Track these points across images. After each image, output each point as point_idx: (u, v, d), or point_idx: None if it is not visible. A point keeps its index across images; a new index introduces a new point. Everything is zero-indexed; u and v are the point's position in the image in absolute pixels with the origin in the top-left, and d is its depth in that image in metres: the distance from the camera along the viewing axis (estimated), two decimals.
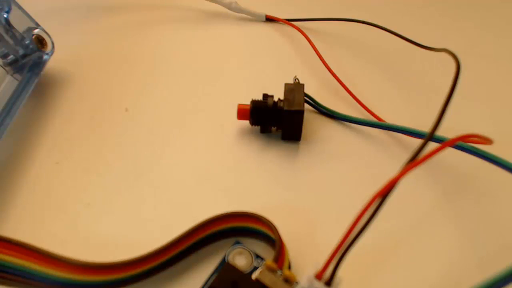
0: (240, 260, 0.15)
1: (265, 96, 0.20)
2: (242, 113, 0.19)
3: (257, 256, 0.15)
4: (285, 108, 0.19)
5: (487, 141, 0.15)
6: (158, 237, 0.15)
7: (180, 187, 0.18)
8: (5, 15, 0.20)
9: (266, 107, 0.19)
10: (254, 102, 0.19)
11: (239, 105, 0.20)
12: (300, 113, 0.19)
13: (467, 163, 0.19)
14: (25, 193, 0.18)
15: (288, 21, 0.27)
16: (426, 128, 0.16)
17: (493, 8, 0.28)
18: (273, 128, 0.20)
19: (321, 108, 0.21)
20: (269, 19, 0.27)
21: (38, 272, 0.13)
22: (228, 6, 0.27)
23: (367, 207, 0.12)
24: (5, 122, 0.19)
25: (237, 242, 0.16)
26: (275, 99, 0.20)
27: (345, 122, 0.21)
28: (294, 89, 0.19)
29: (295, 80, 0.20)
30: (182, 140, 0.20)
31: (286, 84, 0.19)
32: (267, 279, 0.13)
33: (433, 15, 0.28)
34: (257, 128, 0.20)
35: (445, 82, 0.16)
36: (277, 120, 0.19)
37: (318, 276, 0.13)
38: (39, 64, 0.21)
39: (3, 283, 0.13)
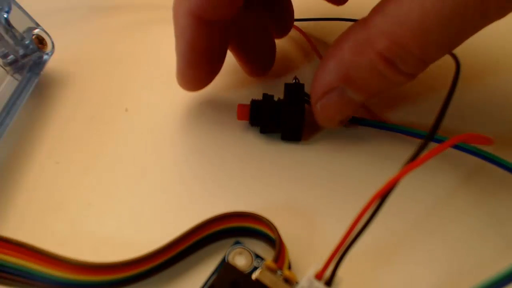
0: (240, 260, 0.15)
1: (265, 96, 0.20)
2: (242, 113, 0.19)
3: (257, 256, 0.15)
4: (285, 108, 0.19)
5: (488, 141, 0.15)
6: (158, 237, 0.15)
7: (180, 187, 0.18)
8: (5, 15, 0.20)
9: (265, 107, 0.19)
10: (253, 102, 0.19)
11: (239, 105, 0.20)
12: (301, 113, 0.19)
13: (468, 164, 0.19)
14: (25, 193, 0.18)
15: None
16: (426, 128, 0.16)
17: None
18: (273, 128, 0.20)
19: None
20: None
21: (38, 272, 0.13)
22: None
23: (367, 208, 0.12)
24: (5, 122, 0.19)
25: (237, 242, 0.16)
26: (275, 99, 0.20)
27: (349, 123, 0.21)
28: (294, 89, 0.19)
29: (295, 80, 0.20)
30: (182, 140, 0.20)
31: (286, 84, 0.19)
32: (267, 279, 0.13)
33: None
34: (257, 128, 0.20)
35: (446, 82, 0.16)
36: (277, 120, 0.19)
37: (318, 276, 0.13)
38: (39, 64, 0.21)
39: (3, 283, 0.13)
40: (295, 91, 0.19)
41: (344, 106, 0.17)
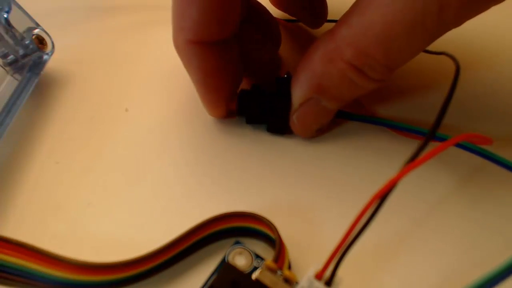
0: (240, 260, 0.15)
1: (254, 86, 0.20)
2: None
3: (257, 256, 0.15)
4: (273, 100, 0.19)
5: (487, 141, 0.15)
6: (158, 237, 0.15)
7: (180, 187, 0.18)
8: (5, 15, 0.20)
9: (253, 97, 0.19)
10: (242, 92, 0.19)
11: None
12: (288, 106, 0.19)
13: (468, 162, 0.19)
14: (25, 193, 0.18)
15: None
16: (425, 125, 0.16)
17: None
18: (260, 119, 0.20)
19: None
20: None
21: (38, 272, 0.13)
22: None
23: (366, 208, 0.12)
24: (5, 122, 0.19)
25: (237, 242, 0.16)
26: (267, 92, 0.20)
27: (346, 120, 0.21)
28: (285, 83, 0.19)
29: (287, 75, 0.20)
30: (182, 139, 0.20)
31: (277, 78, 0.19)
32: (267, 279, 0.13)
33: None
34: (244, 118, 0.20)
35: (445, 79, 0.16)
36: (264, 111, 0.19)
37: (318, 276, 0.13)
38: (39, 64, 0.21)
39: (3, 283, 0.13)
40: (285, 85, 0.19)
41: (320, 115, 0.18)
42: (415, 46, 0.15)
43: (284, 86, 0.19)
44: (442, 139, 0.17)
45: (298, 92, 0.18)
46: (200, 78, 0.18)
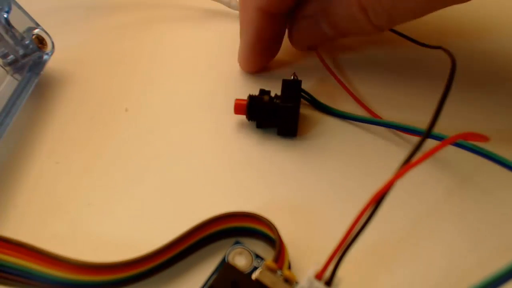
0: (240, 260, 0.15)
1: (262, 91, 0.20)
2: (238, 108, 0.20)
3: (257, 256, 0.15)
4: (281, 103, 0.19)
5: (483, 138, 0.15)
6: (158, 237, 0.15)
7: (180, 187, 0.18)
8: (5, 15, 0.20)
9: (262, 102, 0.19)
10: (250, 97, 0.19)
11: (236, 100, 0.20)
12: (295, 108, 0.19)
13: (466, 162, 0.19)
14: (25, 193, 0.18)
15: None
16: (423, 125, 0.16)
17: (491, 7, 0.28)
18: (270, 124, 0.20)
19: (319, 105, 0.21)
20: None
21: (38, 272, 0.13)
22: (228, 4, 0.27)
23: (363, 211, 0.12)
24: (5, 122, 0.19)
25: (237, 242, 0.16)
26: (273, 94, 0.20)
27: (345, 119, 0.21)
28: (292, 85, 0.19)
29: (294, 76, 0.20)
30: (182, 139, 0.20)
31: (283, 80, 0.19)
32: (267, 279, 0.13)
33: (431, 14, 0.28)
34: (254, 123, 0.20)
35: (443, 79, 0.16)
36: (273, 116, 0.19)
37: (318, 276, 0.13)
38: (39, 64, 0.21)
39: (3, 283, 0.13)
40: (292, 87, 0.19)
41: (315, 34, 0.21)
42: (422, 5, 0.17)
43: (291, 89, 0.19)
44: (440, 138, 0.17)
45: (305, 5, 0.20)
46: (253, 41, 0.21)
